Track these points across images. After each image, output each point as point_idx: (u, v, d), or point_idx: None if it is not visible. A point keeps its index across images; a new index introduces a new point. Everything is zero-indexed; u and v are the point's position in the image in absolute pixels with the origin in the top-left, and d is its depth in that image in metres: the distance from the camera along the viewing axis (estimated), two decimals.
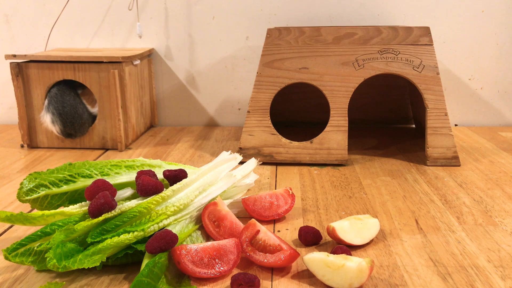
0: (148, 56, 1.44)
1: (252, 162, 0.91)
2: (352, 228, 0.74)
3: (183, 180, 0.77)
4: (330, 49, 1.10)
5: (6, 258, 0.66)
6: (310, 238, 0.74)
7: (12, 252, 0.66)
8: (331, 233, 0.73)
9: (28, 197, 0.75)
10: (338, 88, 1.10)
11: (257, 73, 1.11)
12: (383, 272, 0.67)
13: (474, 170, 1.08)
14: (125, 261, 0.68)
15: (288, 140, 1.12)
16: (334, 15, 1.43)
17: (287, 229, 0.80)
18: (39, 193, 0.75)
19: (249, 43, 1.46)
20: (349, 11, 1.42)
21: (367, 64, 1.10)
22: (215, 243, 0.68)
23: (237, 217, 0.77)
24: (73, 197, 0.77)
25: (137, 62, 1.31)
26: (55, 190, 0.76)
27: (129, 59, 1.24)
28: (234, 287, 0.62)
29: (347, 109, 1.10)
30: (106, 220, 0.68)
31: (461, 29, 1.43)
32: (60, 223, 0.68)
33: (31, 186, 0.75)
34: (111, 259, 0.67)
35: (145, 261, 0.64)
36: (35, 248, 0.66)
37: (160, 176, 0.81)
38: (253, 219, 0.71)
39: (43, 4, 1.46)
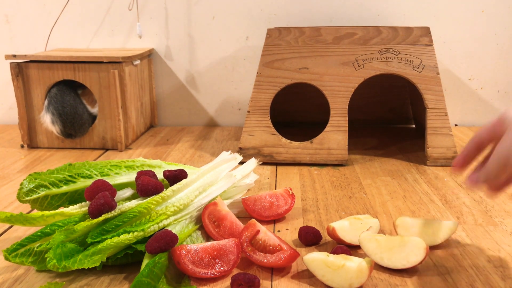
0: (148, 56, 1.44)
1: (252, 162, 0.91)
2: (352, 228, 0.74)
3: (183, 180, 0.77)
4: (330, 49, 1.10)
5: (6, 258, 0.66)
6: (310, 238, 0.74)
7: (12, 252, 0.66)
8: (331, 233, 0.73)
9: (28, 198, 0.75)
10: (338, 88, 1.10)
11: (257, 73, 1.11)
12: (383, 272, 0.67)
13: None
14: (125, 261, 0.68)
15: (288, 140, 1.12)
16: (334, 15, 1.43)
17: (287, 229, 0.80)
18: (39, 193, 0.75)
19: (249, 43, 1.46)
20: (349, 11, 1.42)
21: (367, 64, 1.10)
22: (215, 243, 0.68)
23: (237, 217, 0.77)
24: (73, 198, 0.77)
25: (137, 62, 1.31)
26: (55, 190, 0.76)
27: (129, 59, 1.24)
28: (234, 287, 0.62)
29: (347, 109, 1.10)
30: (106, 221, 0.68)
31: (461, 29, 1.43)
32: (60, 224, 0.68)
33: (31, 186, 0.75)
34: (111, 259, 0.67)
35: (145, 261, 0.64)
36: (35, 248, 0.66)
37: (160, 176, 0.81)
38: (253, 219, 0.71)
39: (43, 4, 1.46)
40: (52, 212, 0.70)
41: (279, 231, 0.79)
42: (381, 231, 0.79)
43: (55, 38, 1.48)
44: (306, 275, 0.66)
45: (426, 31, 1.09)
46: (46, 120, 1.21)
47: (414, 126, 1.46)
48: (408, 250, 0.66)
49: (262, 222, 0.82)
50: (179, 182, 0.77)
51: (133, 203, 0.71)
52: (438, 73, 1.09)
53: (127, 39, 1.48)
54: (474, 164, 0.64)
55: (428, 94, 1.09)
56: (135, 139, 1.33)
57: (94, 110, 1.25)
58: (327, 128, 1.11)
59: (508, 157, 0.55)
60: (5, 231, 0.81)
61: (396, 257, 0.66)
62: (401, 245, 0.67)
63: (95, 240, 0.65)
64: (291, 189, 0.86)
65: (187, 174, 0.80)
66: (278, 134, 1.12)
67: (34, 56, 1.22)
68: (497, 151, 0.57)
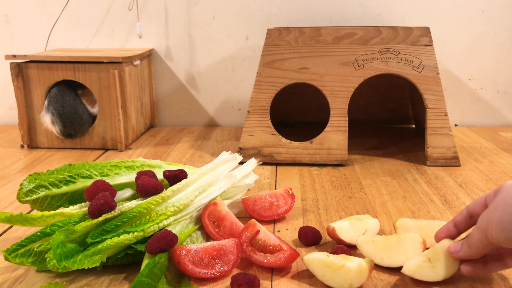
0: (148, 56, 1.44)
1: (252, 162, 0.91)
2: (352, 228, 0.74)
3: (183, 180, 0.77)
4: (330, 49, 1.10)
5: (6, 259, 0.66)
6: (310, 238, 0.74)
7: (12, 253, 0.66)
8: (331, 233, 0.73)
9: (28, 198, 0.75)
10: (338, 88, 1.10)
11: (257, 73, 1.11)
12: (383, 272, 0.67)
13: (474, 170, 1.08)
14: (125, 261, 0.68)
15: (288, 140, 1.12)
16: (334, 15, 1.43)
17: (287, 229, 0.80)
18: (38, 194, 0.75)
19: (249, 43, 1.46)
20: (349, 11, 1.42)
21: (367, 64, 1.10)
22: (215, 243, 0.68)
23: (237, 217, 0.77)
24: (73, 198, 0.77)
25: (137, 62, 1.31)
26: (54, 191, 0.76)
27: (129, 59, 1.24)
28: (234, 287, 0.62)
29: (347, 109, 1.10)
30: (106, 221, 0.68)
31: (461, 29, 1.43)
32: (60, 224, 0.68)
33: (31, 187, 0.75)
34: (111, 259, 0.67)
35: (145, 262, 0.64)
36: (35, 248, 0.66)
37: (160, 176, 0.81)
38: (253, 219, 0.71)
39: (43, 4, 1.46)
40: (52, 212, 0.70)
41: (279, 231, 0.79)
42: (381, 231, 0.79)
43: (55, 38, 1.48)
44: (306, 275, 0.66)
45: (426, 31, 1.09)
46: (46, 120, 1.21)
47: (414, 126, 1.46)
48: (406, 247, 0.66)
49: (262, 222, 0.82)
50: (179, 182, 0.77)
51: (133, 203, 0.71)
52: (438, 73, 1.09)
53: (127, 39, 1.48)
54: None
55: (428, 94, 1.09)
56: (135, 139, 1.33)
57: (94, 110, 1.25)
58: (327, 128, 1.11)
59: (487, 227, 0.56)
60: (5, 231, 0.81)
61: (396, 255, 0.66)
62: (398, 243, 0.67)
63: (95, 240, 0.65)
64: (291, 189, 0.86)
65: (187, 174, 0.80)
66: (278, 134, 1.12)
67: (34, 56, 1.22)
68: (480, 221, 0.58)
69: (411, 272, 0.63)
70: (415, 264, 0.64)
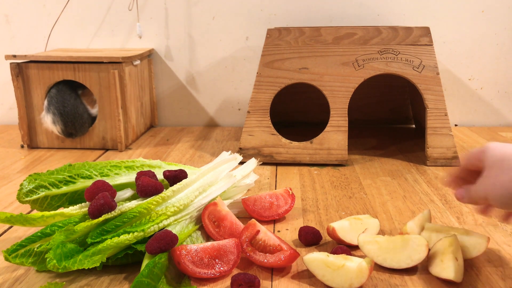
0: (148, 56, 1.44)
1: (252, 162, 0.91)
2: (352, 228, 0.74)
3: (183, 180, 0.77)
4: (330, 49, 1.10)
5: (6, 259, 0.66)
6: (310, 238, 0.74)
7: (12, 253, 0.66)
8: (331, 233, 0.73)
9: (28, 198, 0.75)
10: (338, 88, 1.10)
11: (257, 73, 1.11)
12: (383, 272, 0.67)
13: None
14: (125, 261, 0.68)
15: (288, 140, 1.12)
16: (334, 15, 1.43)
17: (287, 229, 0.80)
18: (38, 194, 0.75)
19: (249, 43, 1.46)
20: (349, 11, 1.42)
21: (367, 64, 1.10)
22: (215, 243, 0.68)
23: (237, 217, 0.77)
24: (72, 198, 0.77)
25: (137, 62, 1.31)
26: (54, 191, 0.76)
27: (129, 60, 1.24)
28: (234, 287, 0.62)
29: (347, 109, 1.10)
30: (106, 221, 0.68)
31: (461, 29, 1.43)
32: (60, 224, 0.68)
33: (31, 187, 0.75)
34: (111, 260, 0.67)
35: (145, 262, 0.64)
36: (35, 249, 0.66)
37: (160, 176, 0.81)
38: (253, 219, 0.71)
39: (43, 4, 1.46)
40: (52, 212, 0.70)
41: (279, 231, 0.79)
42: (381, 231, 0.79)
43: (55, 38, 1.48)
44: (306, 275, 0.66)
45: (426, 31, 1.09)
46: (47, 121, 1.21)
47: (414, 126, 1.46)
48: (411, 249, 0.66)
49: (262, 222, 0.82)
50: (179, 182, 0.77)
51: (133, 203, 0.71)
52: (438, 73, 1.09)
53: (127, 39, 1.47)
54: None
55: (428, 94, 1.09)
56: (135, 139, 1.33)
57: (93, 111, 1.25)
58: (327, 128, 1.11)
59: (485, 196, 0.61)
60: (5, 231, 0.81)
61: (400, 257, 0.66)
62: (402, 245, 0.67)
63: (95, 241, 0.65)
64: (291, 189, 0.86)
65: (187, 174, 0.80)
66: (278, 134, 1.12)
67: (34, 56, 1.22)
68: (477, 188, 0.62)
69: (441, 272, 0.64)
70: (446, 264, 0.64)
